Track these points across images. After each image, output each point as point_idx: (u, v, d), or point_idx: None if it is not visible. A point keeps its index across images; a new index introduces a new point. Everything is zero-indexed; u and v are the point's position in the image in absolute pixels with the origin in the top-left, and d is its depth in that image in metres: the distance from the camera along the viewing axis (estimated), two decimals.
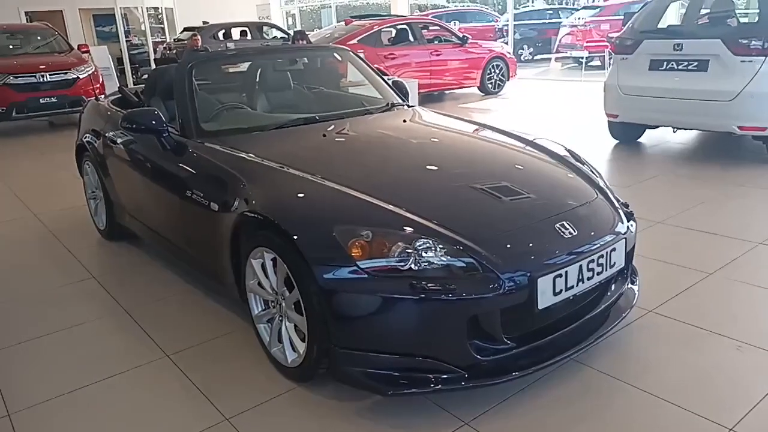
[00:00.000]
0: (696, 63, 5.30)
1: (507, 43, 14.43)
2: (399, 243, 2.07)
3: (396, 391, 2.05)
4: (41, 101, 9.04)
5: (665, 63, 5.50)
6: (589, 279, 2.23)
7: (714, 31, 5.32)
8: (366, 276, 2.02)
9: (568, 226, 2.27)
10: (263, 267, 2.39)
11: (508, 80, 11.41)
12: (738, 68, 5.06)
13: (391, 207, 2.24)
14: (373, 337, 2.07)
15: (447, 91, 11.45)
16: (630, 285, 2.66)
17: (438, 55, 10.39)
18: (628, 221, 2.55)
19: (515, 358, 2.15)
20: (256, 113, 3.40)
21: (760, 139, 5.27)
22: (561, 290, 2.14)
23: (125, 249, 3.97)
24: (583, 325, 2.34)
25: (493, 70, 11.09)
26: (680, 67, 5.40)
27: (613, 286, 2.51)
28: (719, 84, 5.14)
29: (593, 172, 2.87)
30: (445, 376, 2.07)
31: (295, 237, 2.14)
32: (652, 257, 3.39)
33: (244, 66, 4.10)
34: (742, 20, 5.67)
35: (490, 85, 11.12)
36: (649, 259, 3.35)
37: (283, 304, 2.32)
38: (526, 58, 17.53)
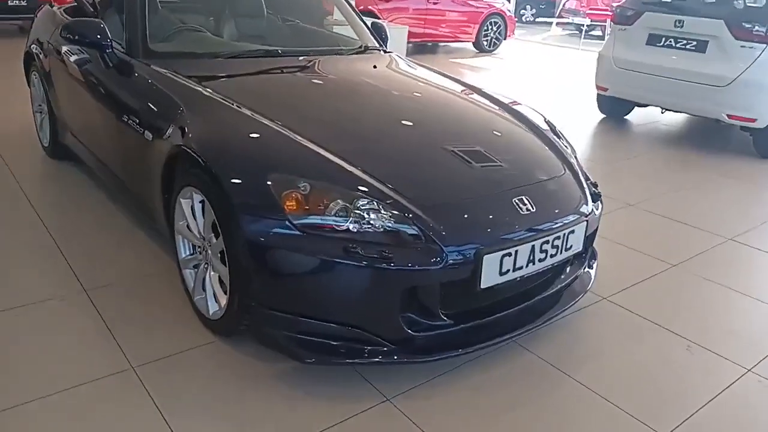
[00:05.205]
0: (695, 43, 5.06)
1: (509, 1, 13.89)
2: (338, 200, 1.87)
3: (314, 359, 1.89)
4: (9, 3, 8.47)
5: (663, 39, 5.25)
6: (540, 261, 2.06)
7: (718, 10, 5.05)
8: (297, 232, 1.83)
9: (526, 202, 2.08)
10: (192, 208, 2.18)
11: (504, 39, 11.03)
12: (737, 53, 4.84)
13: (337, 160, 2.02)
14: (296, 299, 1.89)
15: (441, 44, 11.05)
16: (587, 269, 2.51)
17: (435, 3, 9.94)
18: (594, 203, 2.37)
19: (451, 336, 2.01)
20: (212, 38, 3.08)
21: (747, 130, 5.11)
22: (508, 270, 1.97)
23: (67, 170, 3.71)
24: (530, 306, 2.20)
25: (490, 27, 10.70)
26: (678, 45, 5.15)
27: (568, 269, 2.37)
28: (715, 68, 4.92)
29: (567, 147, 2.67)
30: (371, 349, 1.91)
31: (224, 180, 1.92)
32: (617, 241, 3.25)
33: None
34: (749, 3, 5.39)
35: (485, 43, 10.74)
36: (612, 243, 3.22)
37: (209, 252, 2.12)
38: (527, 18, 17.04)
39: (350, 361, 1.92)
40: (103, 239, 2.90)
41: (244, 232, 1.86)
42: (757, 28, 4.77)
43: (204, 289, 2.20)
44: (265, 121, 2.19)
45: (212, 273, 2.14)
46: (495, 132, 2.60)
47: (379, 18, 8.93)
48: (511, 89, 7.46)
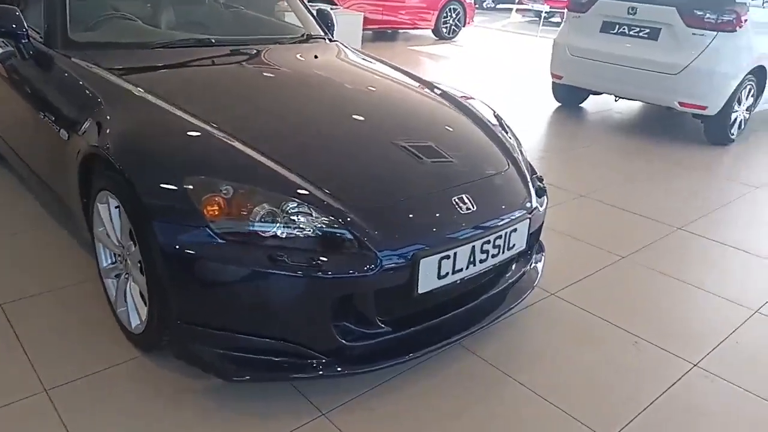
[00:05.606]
0: (647, 30, 5.05)
1: None
2: (264, 204, 1.73)
3: (241, 376, 1.76)
4: None
5: (617, 26, 5.22)
6: (482, 262, 1.97)
7: None
8: (218, 240, 1.69)
9: (466, 200, 1.98)
10: (110, 214, 2.01)
11: (464, 26, 10.95)
12: (688, 41, 4.85)
13: (266, 160, 1.87)
14: (219, 312, 1.75)
15: (401, 31, 10.90)
16: (534, 264, 2.44)
17: None
18: (539, 198, 2.30)
19: (391, 344, 1.90)
20: (141, 27, 2.87)
21: (699, 118, 5.14)
22: (447, 273, 1.87)
23: None
24: (474, 307, 2.11)
25: (449, 14, 10.60)
26: (631, 32, 5.13)
27: (513, 266, 2.29)
28: (667, 56, 4.93)
29: (513, 141, 2.58)
30: (308, 363, 1.79)
31: (137, 183, 1.77)
32: (567, 233, 3.20)
33: None
34: None
35: (444, 30, 10.65)
36: (562, 235, 3.17)
37: (129, 261, 1.97)
38: (488, 5, 17.00)
39: (293, 375, 1.81)
40: (27, 245, 2.69)
41: (159, 240, 1.71)
42: (708, 15, 4.78)
43: (126, 301, 2.04)
44: (188, 118, 2.03)
45: (132, 284, 1.99)
46: (426, 124, 2.48)
47: (335, 5, 8.73)
48: (469, 77, 7.38)
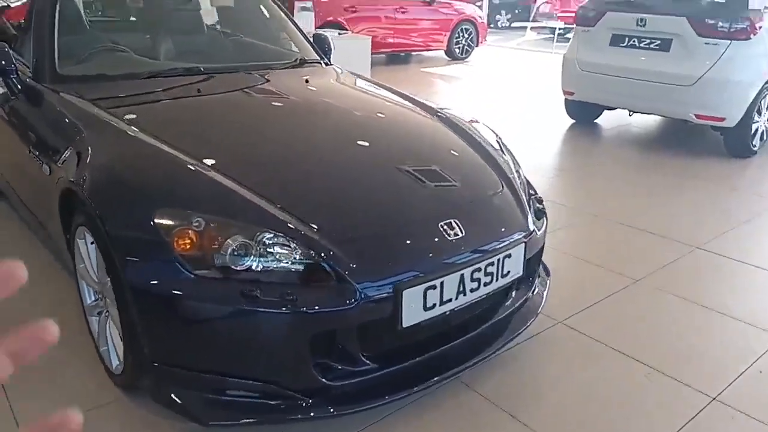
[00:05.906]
0: (658, 42, 4.91)
1: (480, 7, 13.77)
2: (237, 236, 1.65)
3: (217, 420, 1.67)
4: None
5: (627, 39, 5.09)
6: (473, 291, 1.85)
7: (681, 7, 4.90)
8: (188, 275, 1.60)
9: (455, 226, 1.87)
10: (88, 250, 1.96)
11: (476, 46, 10.90)
12: (701, 51, 4.69)
13: (242, 190, 1.79)
14: (192, 351, 1.66)
15: (414, 53, 10.90)
16: (537, 290, 2.30)
17: (404, 12, 9.77)
18: (538, 220, 2.17)
19: (380, 381, 1.78)
20: (128, 57, 2.82)
21: (718, 130, 4.95)
22: (434, 304, 1.76)
23: None
24: (471, 339, 1.98)
25: (461, 34, 10.56)
26: (642, 44, 5.00)
27: (513, 293, 2.16)
28: (680, 67, 4.77)
29: (511, 161, 2.46)
30: (290, 404, 1.68)
31: (105, 217, 1.71)
32: (577, 256, 3.05)
33: None
34: None
35: (457, 50, 10.60)
36: (573, 258, 3.02)
37: (107, 298, 1.90)
38: (503, 24, 16.97)
39: (260, 419, 1.69)
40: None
41: (129, 276, 1.64)
42: (720, 24, 4.62)
43: (107, 340, 1.97)
44: (165, 149, 1.96)
45: (111, 322, 1.91)
46: (421, 147, 2.39)
47: (346, 29, 8.77)
48: (481, 97, 7.30)
